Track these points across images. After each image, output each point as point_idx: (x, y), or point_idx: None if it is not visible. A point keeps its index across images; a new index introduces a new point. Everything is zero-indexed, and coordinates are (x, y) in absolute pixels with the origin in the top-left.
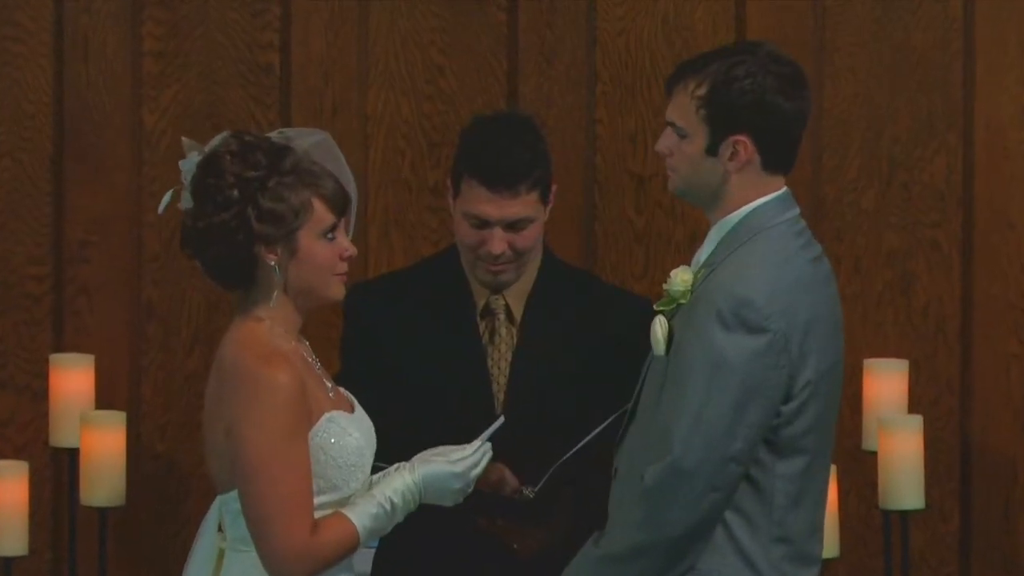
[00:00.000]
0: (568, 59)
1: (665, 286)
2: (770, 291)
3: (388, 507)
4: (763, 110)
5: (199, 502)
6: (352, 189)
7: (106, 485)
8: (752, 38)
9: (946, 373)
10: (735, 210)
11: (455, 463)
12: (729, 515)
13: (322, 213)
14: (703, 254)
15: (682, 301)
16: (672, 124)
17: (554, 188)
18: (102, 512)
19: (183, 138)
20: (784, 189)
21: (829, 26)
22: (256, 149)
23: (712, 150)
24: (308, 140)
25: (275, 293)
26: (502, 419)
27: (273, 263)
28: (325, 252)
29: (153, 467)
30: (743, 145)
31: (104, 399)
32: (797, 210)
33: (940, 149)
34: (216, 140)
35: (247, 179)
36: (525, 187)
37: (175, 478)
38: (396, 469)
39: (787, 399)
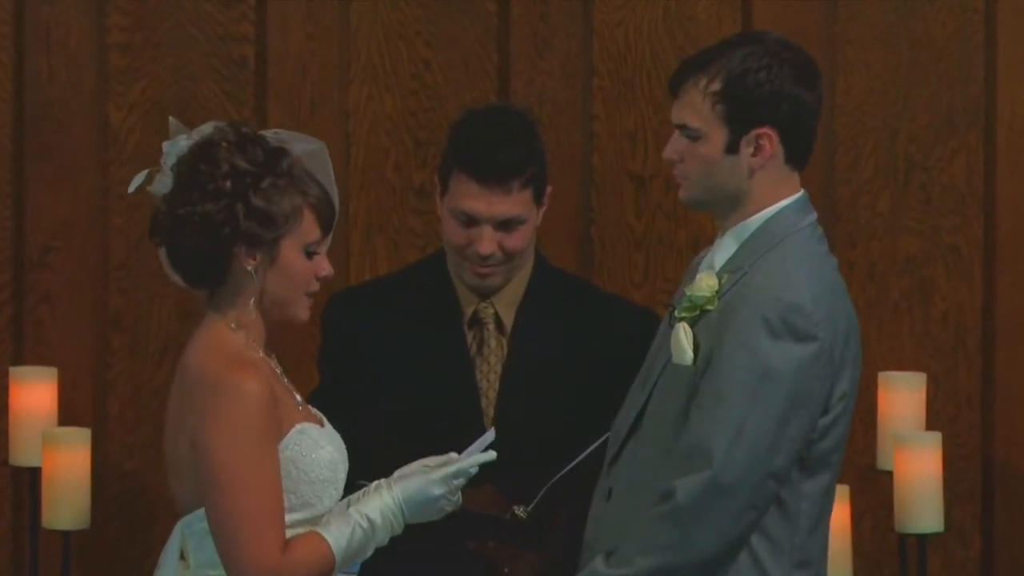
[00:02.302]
0: (563, 52)
1: (687, 291)
2: (815, 296)
3: (366, 525)
4: (783, 100)
5: (169, 525)
6: (336, 207)
7: (70, 507)
8: (759, 27)
9: (966, 387)
10: (755, 213)
11: (432, 470)
12: (754, 538)
13: (310, 225)
14: (718, 259)
15: (708, 308)
16: (683, 127)
17: (549, 190)
18: (65, 536)
19: (171, 118)
20: (803, 192)
21: (841, 17)
22: (255, 144)
23: (732, 148)
24: (302, 147)
25: (251, 300)
26: (492, 432)
27: (251, 267)
28: (304, 267)
29: (120, 487)
30: (768, 138)
31: (68, 415)
32: (815, 215)
33: (960, 148)
34: (207, 127)
35: (242, 172)
36: (518, 184)
37: (144, 499)
38: (375, 487)
39: (824, 411)
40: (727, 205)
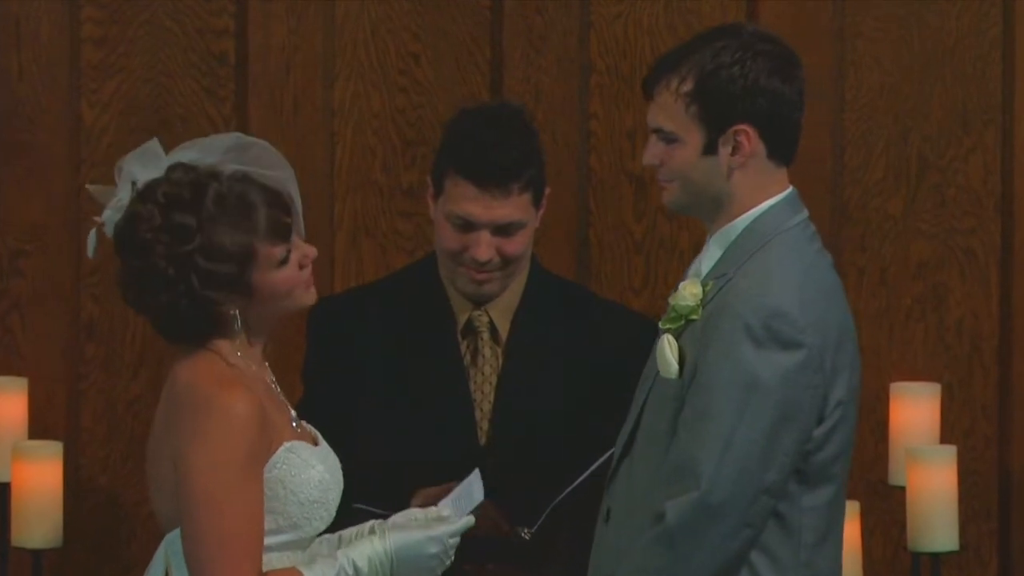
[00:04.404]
0: (559, 46)
1: (671, 300)
2: (801, 301)
3: (351, 572)
4: (760, 95)
5: (145, 542)
6: (288, 177)
7: (41, 524)
8: (765, 20)
9: (982, 398)
10: (740, 215)
11: (431, 525)
12: (754, 555)
13: (267, 250)
14: (704, 264)
15: (692, 317)
16: (658, 131)
17: (547, 192)
18: (36, 554)
19: (88, 185)
20: (791, 189)
21: (851, 9)
22: (175, 208)
23: (711, 149)
24: (217, 150)
25: (237, 340)
26: (478, 474)
27: (234, 312)
28: (283, 277)
29: (93, 503)
30: (745, 135)
31: (39, 427)
32: (806, 212)
33: (976, 147)
34: (122, 193)
35: (179, 254)
36: (518, 186)
37: (118, 516)
38: (368, 532)
39: (819, 421)
40: (711, 208)
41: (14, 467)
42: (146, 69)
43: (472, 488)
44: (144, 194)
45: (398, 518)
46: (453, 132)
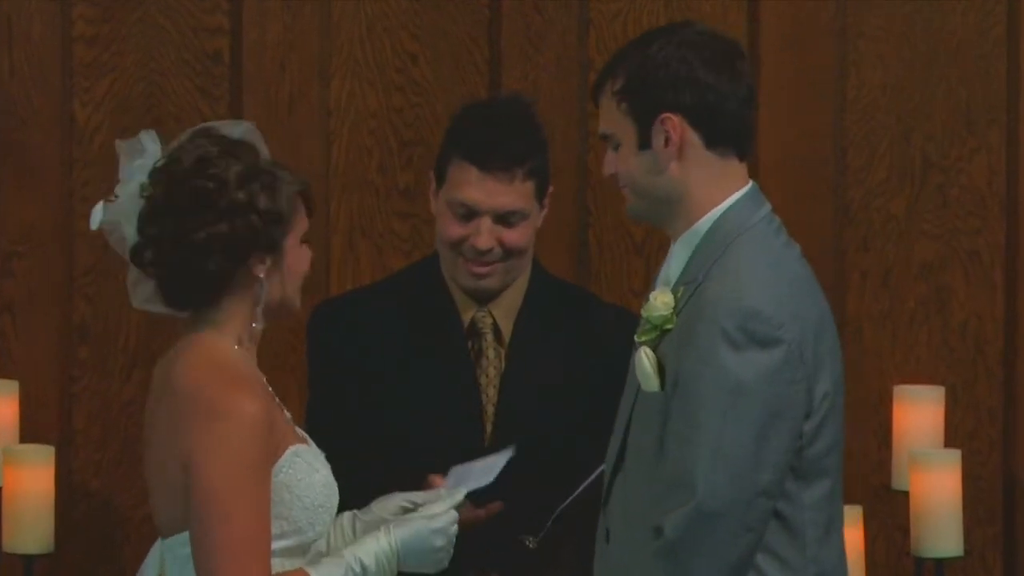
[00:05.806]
0: (558, 45)
1: (643, 312)
2: (774, 297)
3: (358, 569)
4: (686, 84)
5: (139, 547)
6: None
7: (32, 529)
8: (766, 19)
9: (987, 401)
10: (701, 217)
11: (433, 519)
12: (760, 559)
13: (303, 214)
14: (672, 271)
15: (667, 327)
16: (603, 137)
17: (551, 190)
18: (28, 560)
19: (117, 141)
20: (751, 184)
21: (853, 8)
22: (237, 145)
23: (644, 143)
24: (234, 133)
25: (259, 309)
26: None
27: (263, 275)
28: (304, 260)
29: (86, 508)
30: (671, 122)
31: (30, 431)
32: (769, 206)
33: (980, 147)
34: (185, 138)
35: (245, 179)
36: (521, 174)
37: (111, 520)
38: (372, 532)
39: (807, 415)
40: (666, 210)
41: (6, 471)
42: (139, 68)
43: (493, 468)
44: (203, 142)
45: (386, 502)
46: (459, 120)
